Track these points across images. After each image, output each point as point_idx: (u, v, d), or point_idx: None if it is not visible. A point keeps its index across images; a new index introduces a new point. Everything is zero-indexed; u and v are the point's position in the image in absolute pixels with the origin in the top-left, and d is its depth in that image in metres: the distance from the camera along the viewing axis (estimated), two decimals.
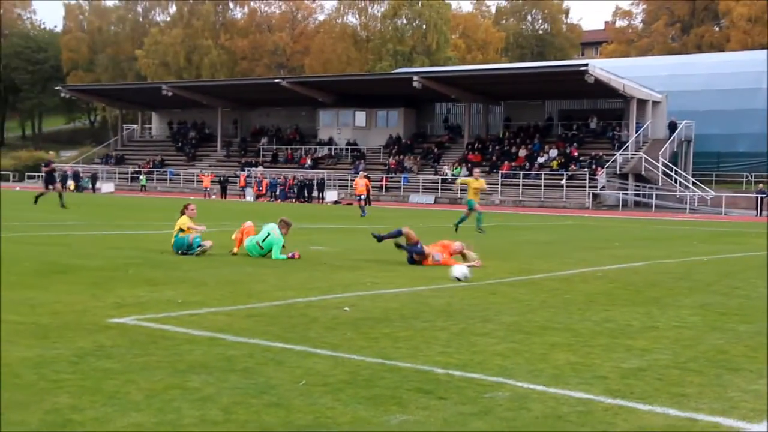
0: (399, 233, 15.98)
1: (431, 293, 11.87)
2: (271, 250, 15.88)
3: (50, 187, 35.16)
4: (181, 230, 16.36)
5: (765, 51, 74.85)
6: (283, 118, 77.42)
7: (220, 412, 5.66)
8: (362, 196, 37.28)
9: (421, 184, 60.93)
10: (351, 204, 37.45)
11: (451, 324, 9.32)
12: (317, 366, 7.10)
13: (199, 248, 16.03)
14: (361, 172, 44.39)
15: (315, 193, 59.22)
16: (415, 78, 60.86)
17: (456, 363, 7.34)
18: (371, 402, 6.01)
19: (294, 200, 57.92)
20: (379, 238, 16.69)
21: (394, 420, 5.62)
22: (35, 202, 33.70)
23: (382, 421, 5.58)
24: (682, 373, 7.24)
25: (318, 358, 7.42)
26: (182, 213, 16.77)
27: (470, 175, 28.82)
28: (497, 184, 56.97)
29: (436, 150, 66.13)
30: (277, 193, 59.26)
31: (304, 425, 5.44)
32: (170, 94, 72.23)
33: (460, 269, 13.12)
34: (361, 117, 70.82)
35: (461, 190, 26.49)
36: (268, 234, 16.09)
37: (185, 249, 16.15)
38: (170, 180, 72.50)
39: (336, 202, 56.61)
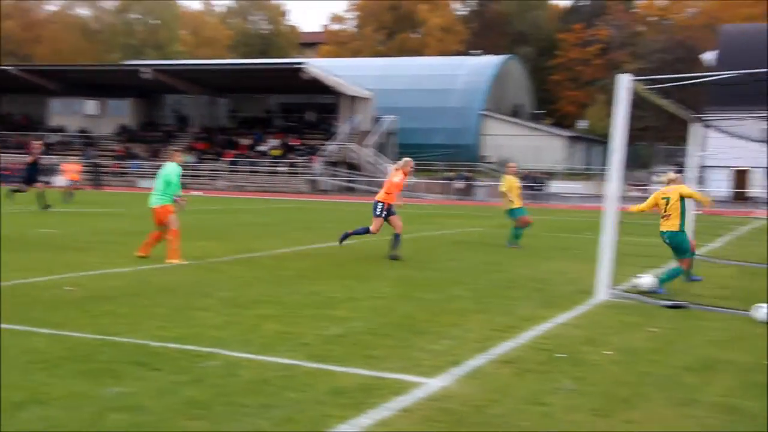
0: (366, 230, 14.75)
1: (155, 272, 11.61)
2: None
3: (34, 184, 26.35)
4: None
5: (456, 57, 79.16)
6: (14, 105, 72.39)
7: None
8: (75, 182, 34.94)
9: (150, 170, 59.21)
10: (80, 189, 35.49)
11: (171, 300, 9.16)
12: (37, 344, 6.75)
13: None
14: (71, 158, 41.71)
15: (45, 178, 56.14)
16: (146, 70, 59.01)
17: (173, 336, 7.23)
18: (87, 375, 5.81)
19: (23, 185, 54.25)
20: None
21: (110, 391, 5.46)
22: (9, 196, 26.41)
23: (98, 393, 5.41)
24: (375, 337, 7.54)
25: (38, 336, 7.06)
26: None
27: (505, 173, 18.38)
28: (222, 171, 56.55)
29: (165, 138, 64.47)
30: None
31: (19, 401, 5.16)
32: None
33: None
34: (92, 106, 67.55)
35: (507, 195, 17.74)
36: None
37: None
38: None
39: (66, 187, 53.68)
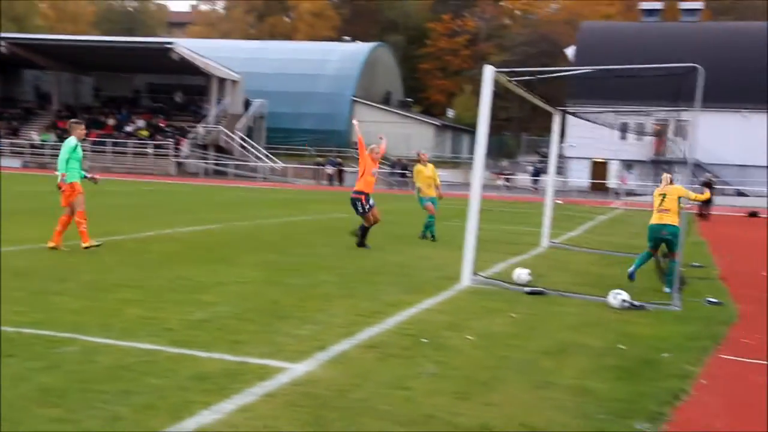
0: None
1: (12, 255, 11.11)
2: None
3: None
4: None
5: (327, 43, 79.02)
6: None
7: None
8: None
9: (8, 148, 56.69)
10: None
11: (28, 284, 8.81)
12: None
13: None
14: None
15: None
16: (2, 43, 56.41)
17: (29, 321, 6.96)
18: None
19: None
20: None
21: None
22: None
23: None
24: (240, 322, 7.46)
25: None
26: None
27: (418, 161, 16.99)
28: (86, 151, 54.69)
29: (24, 115, 61.79)
30: None
31: None
32: None
33: (522, 274, 10.91)
34: None
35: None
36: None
37: None
38: None
39: None
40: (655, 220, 11.33)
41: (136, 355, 6.08)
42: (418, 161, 17.03)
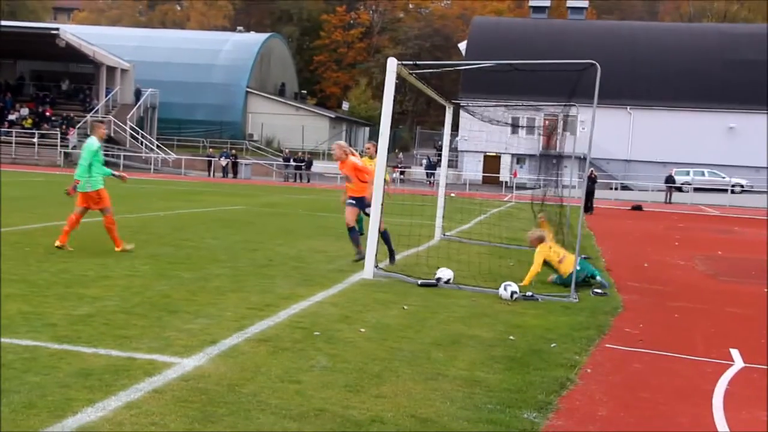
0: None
1: None
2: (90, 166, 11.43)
3: None
4: None
5: (220, 32, 77.88)
6: None
7: None
8: None
9: None
10: None
11: None
12: None
13: None
14: None
15: None
16: None
17: None
18: None
19: None
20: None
21: None
22: None
23: None
24: (128, 317, 7.27)
25: None
26: None
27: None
28: None
29: None
30: None
31: None
32: None
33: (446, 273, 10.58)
34: None
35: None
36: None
37: None
38: None
39: None
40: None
41: (15, 352, 5.85)
42: (367, 153, 14.91)
